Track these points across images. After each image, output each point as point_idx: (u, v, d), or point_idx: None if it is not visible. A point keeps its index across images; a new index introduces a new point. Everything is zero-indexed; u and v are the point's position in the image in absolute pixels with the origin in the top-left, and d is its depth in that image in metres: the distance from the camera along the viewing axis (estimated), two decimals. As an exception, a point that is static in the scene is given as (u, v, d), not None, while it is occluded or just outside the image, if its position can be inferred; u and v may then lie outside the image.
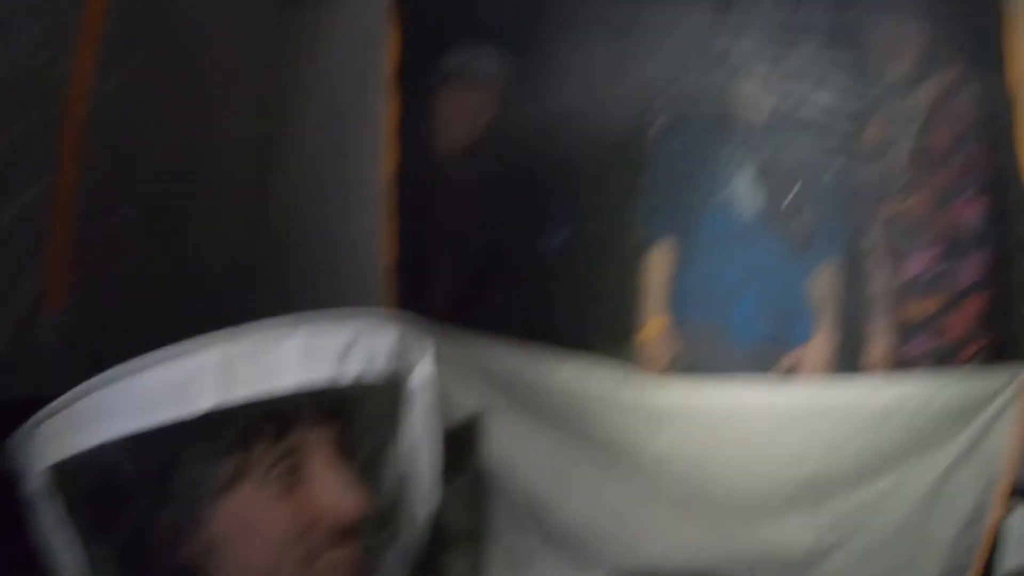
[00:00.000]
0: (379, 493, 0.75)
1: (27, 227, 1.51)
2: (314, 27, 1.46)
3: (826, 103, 1.44)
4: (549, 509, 1.39)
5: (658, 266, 1.51)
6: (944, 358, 1.43)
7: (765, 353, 1.46)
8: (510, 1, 1.52)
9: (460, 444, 1.37)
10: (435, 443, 0.78)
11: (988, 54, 1.31)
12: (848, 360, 1.44)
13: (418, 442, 0.77)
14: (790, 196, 1.47)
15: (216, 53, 1.47)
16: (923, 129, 1.43)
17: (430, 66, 1.54)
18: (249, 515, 0.65)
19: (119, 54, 1.38)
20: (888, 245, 1.49)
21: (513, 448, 1.39)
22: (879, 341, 1.45)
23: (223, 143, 1.64)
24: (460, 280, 1.60)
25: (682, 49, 1.35)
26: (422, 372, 0.74)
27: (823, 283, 1.49)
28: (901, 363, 1.43)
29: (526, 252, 1.54)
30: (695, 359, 1.51)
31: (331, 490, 0.66)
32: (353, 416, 0.73)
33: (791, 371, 1.46)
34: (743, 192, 1.50)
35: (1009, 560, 1.34)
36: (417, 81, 1.47)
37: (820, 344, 1.47)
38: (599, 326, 1.45)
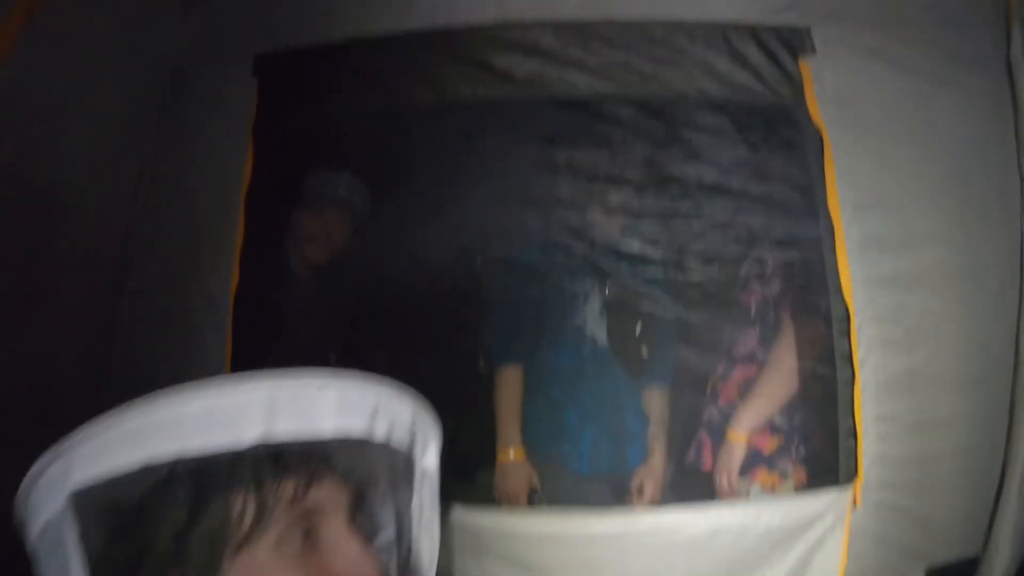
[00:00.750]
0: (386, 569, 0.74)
1: None
2: (176, 148, 1.53)
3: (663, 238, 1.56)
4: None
5: (506, 393, 1.54)
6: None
7: (606, 481, 1.46)
8: (365, 131, 1.63)
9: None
10: (436, 529, 0.77)
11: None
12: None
13: (425, 522, 0.76)
14: (637, 328, 1.54)
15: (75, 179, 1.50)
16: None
17: (286, 187, 1.62)
18: (261, 574, 0.64)
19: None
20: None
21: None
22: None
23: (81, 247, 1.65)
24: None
25: (514, 184, 1.46)
26: (433, 452, 0.74)
27: (655, 407, 1.54)
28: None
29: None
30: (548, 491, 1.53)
31: (345, 559, 0.66)
32: (370, 484, 0.74)
33: (639, 492, 1.47)
34: (589, 323, 1.57)
35: None
36: (271, 201, 1.54)
37: (656, 464, 1.48)
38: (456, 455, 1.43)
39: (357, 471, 0.73)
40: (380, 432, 0.68)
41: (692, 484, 1.52)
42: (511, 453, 1.49)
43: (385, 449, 0.71)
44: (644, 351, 1.56)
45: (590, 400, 1.55)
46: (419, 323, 1.63)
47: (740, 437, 1.48)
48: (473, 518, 1.23)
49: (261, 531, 0.65)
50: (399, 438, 0.70)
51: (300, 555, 0.66)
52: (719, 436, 1.55)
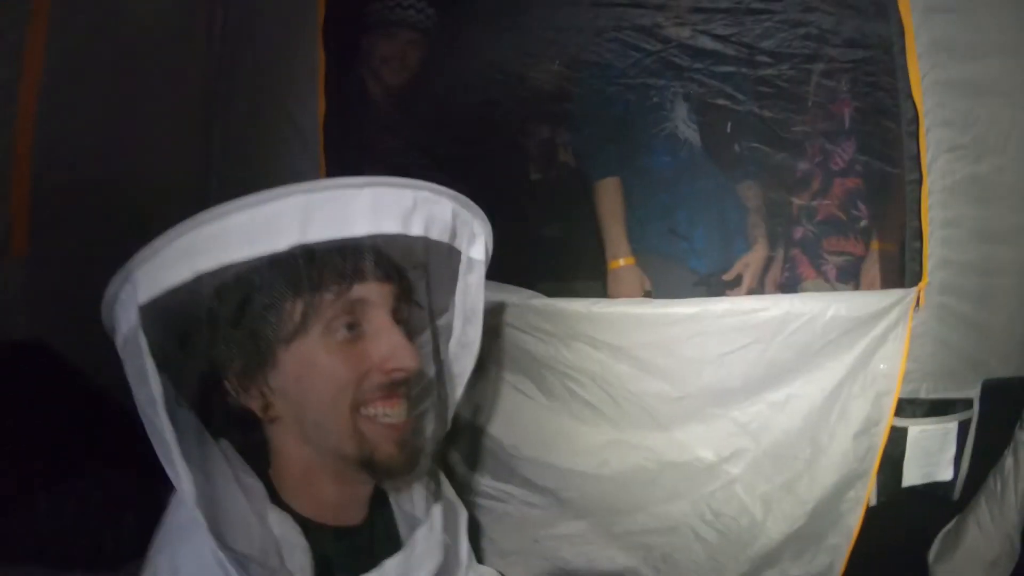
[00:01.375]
0: (428, 359, 0.86)
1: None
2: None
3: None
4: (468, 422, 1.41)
5: (608, 205, 1.60)
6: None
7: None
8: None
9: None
10: (479, 317, 0.87)
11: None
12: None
13: (469, 310, 0.86)
14: (728, 126, 1.59)
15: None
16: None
17: (358, 14, 1.70)
18: (312, 360, 0.75)
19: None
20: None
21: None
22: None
23: (166, 99, 1.77)
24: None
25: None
26: (480, 245, 0.85)
27: (752, 199, 1.61)
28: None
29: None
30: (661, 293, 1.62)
31: (386, 346, 0.77)
32: (412, 279, 0.84)
33: (736, 280, 1.54)
34: (680, 126, 1.62)
35: (909, 475, 1.40)
36: (346, 30, 1.62)
37: (760, 249, 1.63)
38: (559, 266, 1.50)
39: (401, 266, 0.82)
40: (417, 229, 0.75)
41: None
42: (621, 261, 1.57)
43: (426, 244, 0.79)
44: (736, 148, 1.61)
45: (696, 199, 1.62)
46: (501, 132, 1.70)
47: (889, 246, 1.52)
48: (566, 305, 1.32)
49: (309, 324, 0.74)
50: (439, 233, 0.77)
51: (345, 343, 0.76)
52: (816, 249, 1.62)
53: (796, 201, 1.65)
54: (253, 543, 0.71)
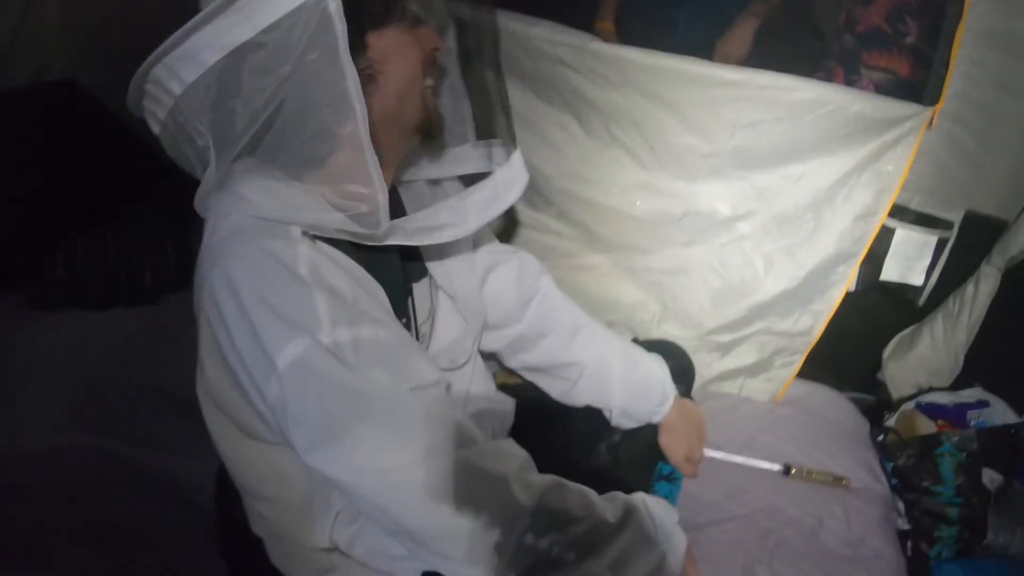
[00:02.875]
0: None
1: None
2: None
3: None
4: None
5: None
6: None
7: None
8: None
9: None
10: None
11: None
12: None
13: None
14: None
15: None
16: None
17: None
18: (404, 43, 0.89)
19: None
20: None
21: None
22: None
23: None
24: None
25: None
26: None
27: None
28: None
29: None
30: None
31: (430, 31, 0.92)
32: None
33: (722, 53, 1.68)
34: None
35: (888, 271, 1.59)
36: None
37: (741, 26, 1.71)
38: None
39: None
40: None
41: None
42: (604, 25, 1.74)
43: None
44: None
45: None
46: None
47: None
48: (625, 52, 1.45)
49: (396, 13, 0.87)
50: None
51: (417, 29, 0.90)
52: (855, 62, 1.72)
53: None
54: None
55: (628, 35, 1.70)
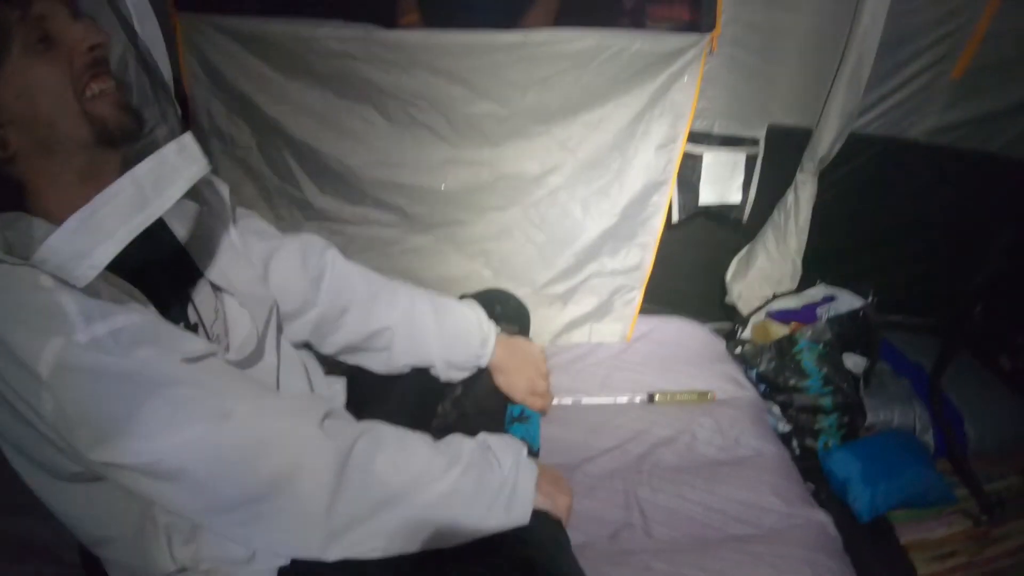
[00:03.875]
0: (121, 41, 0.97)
1: None
2: None
3: None
4: (320, 151, 1.56)
5: None
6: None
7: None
8: None
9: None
10: (152, 18, 0.98)
11: None
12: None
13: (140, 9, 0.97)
14: None
15: None
16: None
17: None
18: (24, 75, 0.85)
19: None
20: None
21: (283, 100, 1.57)
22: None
23: None
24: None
25: None
26: None
27: None
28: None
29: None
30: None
31: (76, 32, 0.87)
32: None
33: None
34: None
35: (704, 195, 1.68)
36: None
37: (538, 9, 1.78)
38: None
39: None
40: None
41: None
42: (410, 19, 1.76)
43: None
44: None
45: None
46: None
47: None
48: (406, 35, 1.50)
49: (9, 49, 0.84)
50: None
51: (46, 51, 0.86)
52: (641, 21, 1.80)
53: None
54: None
55: (432, 24, 1.74)
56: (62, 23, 0.87)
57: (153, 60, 0.95)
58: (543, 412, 1.37)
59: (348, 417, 0.96)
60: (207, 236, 1.05)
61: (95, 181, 0.85)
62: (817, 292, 1.85)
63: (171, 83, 0.97)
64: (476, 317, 1.25)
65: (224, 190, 1.14)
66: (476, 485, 0.93)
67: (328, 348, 1.22)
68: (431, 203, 1.60)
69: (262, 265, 1.14)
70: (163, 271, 0.96)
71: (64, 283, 0.77)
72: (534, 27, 1.69)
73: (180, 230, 1.01)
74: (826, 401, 1.71)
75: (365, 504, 0.87)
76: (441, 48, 1.52)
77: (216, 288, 1.03)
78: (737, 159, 1.75)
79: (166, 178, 0.83)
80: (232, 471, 0.81)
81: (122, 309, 0.80)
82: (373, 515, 0.87)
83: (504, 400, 1.32)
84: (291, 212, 1.67)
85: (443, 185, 1.58)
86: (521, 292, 1.55)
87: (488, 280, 1.65)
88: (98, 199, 0.78)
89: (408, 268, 1.64)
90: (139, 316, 0.81)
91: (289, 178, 1.64)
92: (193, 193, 1.03)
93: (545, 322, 1.68)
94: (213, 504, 0.82)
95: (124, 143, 0.88)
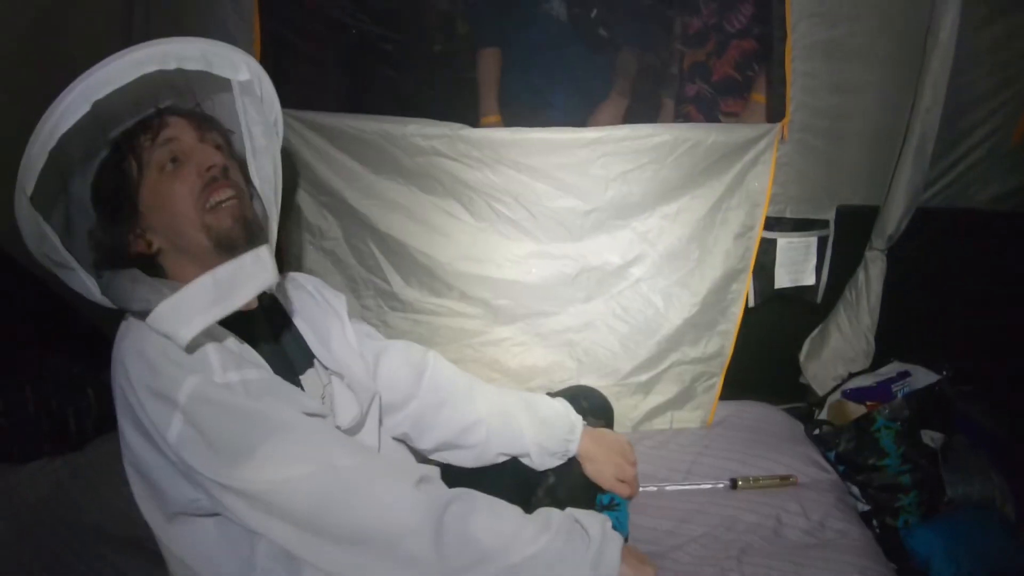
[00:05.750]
0: (236, 155, 1.18)
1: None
2: None
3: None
4: (407, 245, 1.64)
5: (486, 70, 1.86)
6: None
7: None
8: None
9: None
10: (270, 128, 1.13)
11: None
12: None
13: (252, 125, 1.12)
14: (591, 14, 1.89)
15: None
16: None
17: None
18: (159, 192, 1.06)
19: None
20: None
21: (370, 194, 1.68)
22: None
23: None
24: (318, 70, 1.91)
25: None
26: (244, 71, 1.12)
27: (622, 64, 1.90)
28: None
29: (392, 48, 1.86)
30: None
31: (199, 156, 1.08)
32: (203, 112, 1.17)
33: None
34: (555, 6, 1.90)
35: (780, 279, 1.73)
36: None
37: (611, 102, 1.85)
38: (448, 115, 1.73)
39: (188, 101, 1.16)
40: (172, 65, 1.03)
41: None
42: (491, 119, 1.85)
43: (200, 76, 1.09)
44: (602, 31, 1.90)
45: (559, 68, 1.91)
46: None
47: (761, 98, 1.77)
48: (493, 133, 1.64)
49: (144, 172, 1.07)
50: (194, 65, 1.06)
51: (175, 171, 1.07)
52: (712, 109, 1.90)
53: (683, 49, 1.93)
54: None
55: (511, 122, 1.84)
56: (188, 145, 1.08)
57: (266, 170, 1.13)
58: (631, 499, 1.42)
59: (442, 484, 1.05)
60: (324, 329, 1.22)
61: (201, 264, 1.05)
62: (891, 369, 1.90)
63: (279, 189, 1.15)
64: (563, 407, 1.36)
65: (341, 298, 1.31)
66: (564, 549, 1.00)
67: (425, 443, 1.33)
68: (516, 295, 1.68)
69: (373, 360, 1.30)
70: (283, 351, 1.13)
71: (209, 334, 0.96)
72: (608, 122, 1.78)
73: (300, 321, 1.19)
74: (905, 479, 1.74)
75: (458, 562, 0.95)
76: (527, 145, 1.62)
77: (326, 371, 1.18)
78: (810, 242, 1.81)
79: (240, 282, 0.99)
80: (332, 514, 0.92)
81: (252, 365, 0.99)
82: (464, 573, 0.94)
83: (594, 489, 1.40)
84: (377, 303, 1.75)
85: (529, 278, 1.65)
86: (604, 382, 1.62)
87: (572, 371, 1.72)
88: (186, 290, 0.97)
89: (492, 359, 1.71)
90: (267, 373, 1.00)
91: (376, 270, 1.73)
92: (309, 293, 1.25)
93: (627, 410, 1.74)
94: (312, 542, 0.93)
95: (237, 250, 1.04)
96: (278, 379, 1.02)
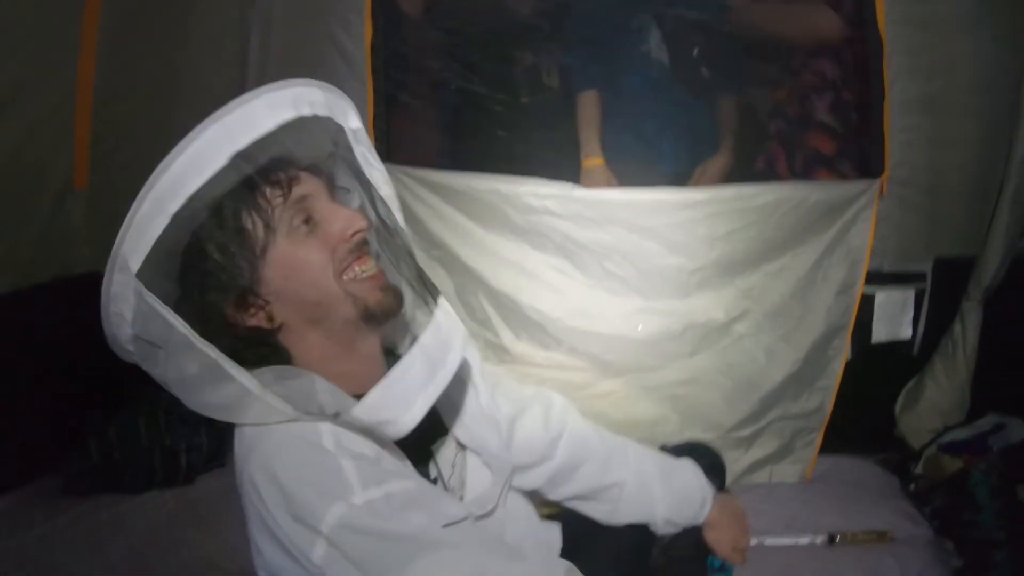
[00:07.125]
0: (370, 215, 1.11)
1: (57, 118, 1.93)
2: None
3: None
4: (518, 300, 1.72)
5: (587, 112, 1.90)
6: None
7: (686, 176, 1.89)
8: None
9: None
10: (386, 176, 1.06)
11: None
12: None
13: (373, 165, 1.06)
14: (694, 52, 1.92)
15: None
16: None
17: None
18: (290, 259, 0.96)
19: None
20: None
21: (482, 250, 1.75)
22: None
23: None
24: (425, 129, 1.98)
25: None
26: (354, 116, 1.03)
27: (724, 113, 1.95)
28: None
29: (489, 100, 1.92)
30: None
31: (340, 220, 0.98)
32: (329, 161, 1.05)
33: (699, 180, 1.88)
34: (654, 49, 1.94)
35: (877, 333, 1.77)
36: None
37: (721, 157, 1.91)
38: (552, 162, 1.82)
39: (314, 156, 1.02)
40: (305, 110, 0.92)
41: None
42: (594, 161, 1.91)
43: (317, 123, 0.97)
44: (704, 71, 1.94)
45: (663, 113, 1.94)
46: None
47: None
48: (606, 194, 1.73)
49: (274, 232, 0.94)
50: (320, 110, 0.95)
51: (308, 235, 0.95)
52: (793, 145, 1.94)
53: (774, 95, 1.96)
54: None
55: (617, 171, 1.88)
56: (323, 205, 0.97)
57: (404, 236, 1.04)
58: (742, 564, 1.48)
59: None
60: (456, 396, 1.14)
61: (357, 348, 0.99)
62: (987, 422, 1.93)
63: (412, 248, 1.08)
64: (697, 481, 1.39)
65: (475, 353, 1.22)
66: None
67: (556, 496, 1.35)
68: (623, 350, 1.77)
69: (508, 426, 1.26)
70: (416, 428, 1.04)
71: (342, 447, 0.89)
72: (716, 177, 1.83)
73: None
74: (1000, 535, 1.76)
75: None
76: (638, 205, 1.73)
77: (460, 445, 1.14)
78: (907, 296, 1.85)
79: (445, 344, 0.89)
80: None
81: (391, 475, 0.92)
82: None
83: (707, 551, 1.43)
84: (486, 356, 1.84)
85: (636, 334, 1.71)
86: (706, 436, 1.68)
87: (675, 424, 1.79)
88: (394, 374, 0.87)
89: (598, 411, 1.79)
90: (407, 482, 0.93)
91: (486, 324, 1.82)
92: None
93: (728, 464, 1.78)
94: None
95: (387, 322, 0.99)
96: (416, 484, 0.95)
